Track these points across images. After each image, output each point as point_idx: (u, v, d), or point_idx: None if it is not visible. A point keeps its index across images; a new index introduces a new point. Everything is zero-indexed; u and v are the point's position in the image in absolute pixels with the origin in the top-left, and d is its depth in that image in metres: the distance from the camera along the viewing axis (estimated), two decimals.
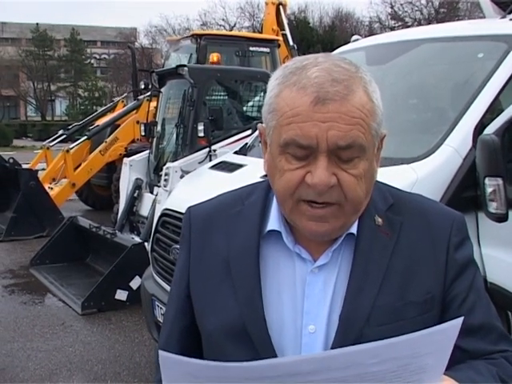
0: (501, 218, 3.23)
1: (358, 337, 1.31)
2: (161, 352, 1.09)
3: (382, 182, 1.49)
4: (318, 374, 1.07)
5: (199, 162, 7.83)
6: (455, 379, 1.24)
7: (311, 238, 1.36)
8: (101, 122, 13.48)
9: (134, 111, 12.77)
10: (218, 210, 1.53)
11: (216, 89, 9.88)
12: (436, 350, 1.12)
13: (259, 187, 1.51)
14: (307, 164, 1.27)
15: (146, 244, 7.03)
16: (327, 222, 1.30)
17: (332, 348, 1.33)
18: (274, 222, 1.42)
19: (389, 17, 47.87)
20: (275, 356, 1.35)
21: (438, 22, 36.62)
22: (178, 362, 1.10)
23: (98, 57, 71.41)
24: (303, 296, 1.37)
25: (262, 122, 1.41)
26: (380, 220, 1.41)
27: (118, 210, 10.32)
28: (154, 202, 8.35)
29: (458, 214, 1.50)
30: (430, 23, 38.61)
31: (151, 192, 9.57)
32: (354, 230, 1.39)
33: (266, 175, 1.42)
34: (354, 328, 1.33)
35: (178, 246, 3.88)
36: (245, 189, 1.56)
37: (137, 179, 9.88)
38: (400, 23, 45.63)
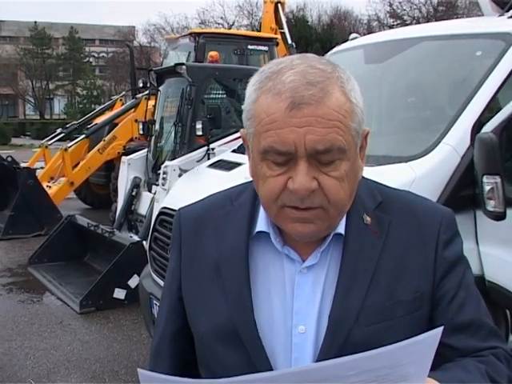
0: (499, 217, 3.24)
1: (348, 336, 1.32)
2: (140, 371, 1.09)
3: (370, 179, 1.49)
4: None
5: (197, 161, 7.81)
6: (439, 380, 1.23)
7: (298, 239, 1.36)
8: (99, 120, 13.50)
9: (133, 110, 12.76)
10: (208, 211, 1.53)
11: (214, 87, 9.87)
12: (417, 359, 1.12)
13: (249, 187, 1.50)
14: (288, 170, 1.27)
15: (144, 242, 7.03)
16: (312, 223, 1.30)
17: (322, 346, 1.33)
18: (262, 224, 1.42)
19: (387, 15, 47.96)
20: (266, 357, 1.35)
21: (436, 20, 36.56)
22: (157, 381, 1.10)
23: (96, 55, 71.31)
24: (293, 296, 1.37)
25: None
26: (369, 219, 1.41)
27: (116, 208, 10.32)
28: (153, 200, 8.34)
29: (448, 210, 1.49)
30: (428, 21, 38.60)
31: (149, 190, 9.57)
32: (342, 229, 1.38)
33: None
34: (343, 328, 1.32)
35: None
36: (235, 189, 1.56)
37: (135, 178, 9.88)
38: (399, 21, 45.65)
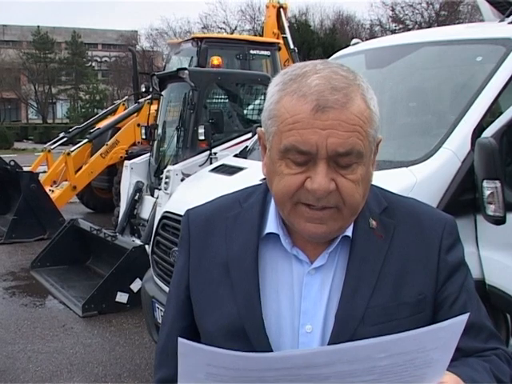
0: (499, 221, 3.25)
1: (352, 336, 1.34)
2: (180, 339, 1.11)
3: (376, 186, 1.52)
4: (330, 366, 1.11)
5: (200, 165, 7.83)
6: (456, 375, 1.27)
7: (309, 239, 1.39)
8: (102, 124, 13.50)
9: (135, 114, 12.79)
10: (217, 212, 1.56)
11: (217, 92, 9.88)
12: (441, 346, 1.16)
13: (257, 190, 1.54)
14: (307, 169, 1.30)
15: (146, 247, 7.04)
16: (325, 225, 1.33)
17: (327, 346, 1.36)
18: (272, 225, 1.45)
19: (390, 20, 47.93)
20: None
21: (438, 25, 36.62)
22: (196, 351, 1.11)
23: (99, 59, 71.52)
24: (300, 297, 1.40)
25: (261, 126, 1.43)
26: (374, 223, 1.44)
27: (118, 212, 10.32)
28: (155, 204, 8.34)
29: (450, 217, 1.53)
30: (430, 26, 38.61)
31: (152, 195, 9.57)
32: (349, 232, 1.42)
33: (265, 178, 1.45)
34: (348, 327, 1.36)
35: (177, 249, 3.90)
36: (243, 191, 1.58)
37: (137, 182, 9.89)
38: (401, 26, 45.64)
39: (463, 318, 1.16)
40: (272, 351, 1.37)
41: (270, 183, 1.39)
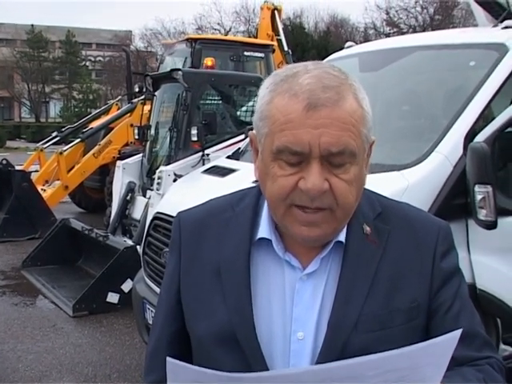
0: (490, 226, 3.25)
1: (345, 343, 1.33)
2: (168, 359, 1.10)
3: (370, 190, 1.50)
4: None
5: (192, 166, 7.81)
6: None
7: (303, 243, 1.37)
8: (95, 124, 13.50)
9: (128, 114, 12.78)
10: (209, 215, 1.54)
11: (210, 93, 9.88)
12: (434, 362, 1.14)
13: (250, 193, 1.52)
14: (300, 170, 1.29)
15: (137, 247, 7.03)
16: (319, 228, 1.32)
17: (319, 353, 1.34)
18: (264, 230, 1.43)
19: (384, 23, 47.96)
20: (264, 362, 1.36)
21: (432, 29, 36.75)
22: (184, 370, 1.11)
23: (92, 59, 71.30)
24: (292, 303, 1.38)
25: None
26: (368, 228, 1.42)
27: (110, 212, 10.29)
28: (147, 205, 8.32)
29: (444, 223, 1.52)
30: (424, 30, 38.72)
31: (144, 195, 9.55)
32: (342, 238, 1.40)
33: (257, 180, 1.43)
34: (341, 335, 1.34)
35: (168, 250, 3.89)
36: (235, 195, 1.57)
37: (130, 182, 9.87)
38: (395, 30, 45.71)
39: (456, 335, 1.15)
40: (263, 358, 1.36)
41: (263, 186, 1.38)
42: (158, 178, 7.64)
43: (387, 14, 46.72)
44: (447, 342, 1.14)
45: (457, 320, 1.41)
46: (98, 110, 15.85)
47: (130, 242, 8.18)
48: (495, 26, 4.34)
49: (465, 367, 1.38)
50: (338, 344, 1.33)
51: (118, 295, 7.11)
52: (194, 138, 8.39)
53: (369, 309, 1.36)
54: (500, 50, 3.80)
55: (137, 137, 10.27)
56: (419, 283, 1.41)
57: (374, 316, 1.36)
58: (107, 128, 12.90)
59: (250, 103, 9.77)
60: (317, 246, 1.39)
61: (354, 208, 1.36)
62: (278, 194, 1.31)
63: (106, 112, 14.40)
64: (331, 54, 5.42)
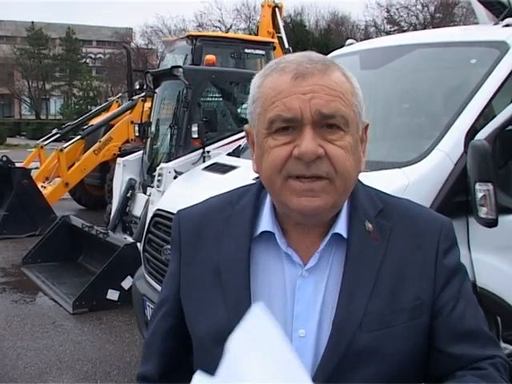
0: (491, 224, 3.25)
1: (350, 342, 1.32)
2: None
3: (369, 186, 1.50)
4: None
5: (193, 163, 7.81)
6: None
7: (303, 218, 1.36)
8: (95, 121, 13.49)
9: (129, 111, 12.77)
10: (208, 213, 1.53)
11: (210, 90, 9.86)
12: None
13: (250, 190, 1.51)
14: (293, 139, 1.30)
15: (138, 244, 7.03)
16: (318, 197, 1.30)
17: (324, 353, 1.33)
18: (266, 224, 1.42)
19: (385, 21, 47.93)
20: None
21: (433, 27, 36.66)
22: None
23: (93, 56, 71.25)
24: (293, 300, 1.37)
25: None
26: (370, 226, 1.41)
27: (110, 209, 10.29)
28: (147, 202, 8.33)
29: (446, 219, 1.50)
30: (425, 28, 38.69)
31: (144, 192, 9.56)
32: (341, 230, 1.39)
33: (258, 177, 1.43)
34: (346, 334, 1.32)
35: (169, 247, 3.89)
36: (235, 192, 1.56)
37: (130, 179, 9.86)
38: (396, 27, 45.67)
39: None
40: None
41: (260, 169, 1.38)
42: (159, 175, 7.64)
43: (388, 11, 46.72)
44: None
45: (462, 318, 1.40)
46: (99, 107, 15.82)
47: (130, 239, 8.20)
48: (496, 23, 4.33)
49: (468, 376, 1.35)
50: (343, 342, 1.32)
51: (118, 292, 7.11)
52: (195, 135, 8.38)
53: (373, 307, 1.34)
54: (501, 47, 3.79)
55: (137, 134, 10.28)
56: (422, 281, 1.39)
57: (378, 315, 1.34)
58: (108, 125, 12.89)
59: None
60: (318, 222, 1.38)
61: (353, 179, 1.36)
62: (273, 165, 1.32)
63: (107, 109, 14.39)
64: (332, 51, 5.41)
